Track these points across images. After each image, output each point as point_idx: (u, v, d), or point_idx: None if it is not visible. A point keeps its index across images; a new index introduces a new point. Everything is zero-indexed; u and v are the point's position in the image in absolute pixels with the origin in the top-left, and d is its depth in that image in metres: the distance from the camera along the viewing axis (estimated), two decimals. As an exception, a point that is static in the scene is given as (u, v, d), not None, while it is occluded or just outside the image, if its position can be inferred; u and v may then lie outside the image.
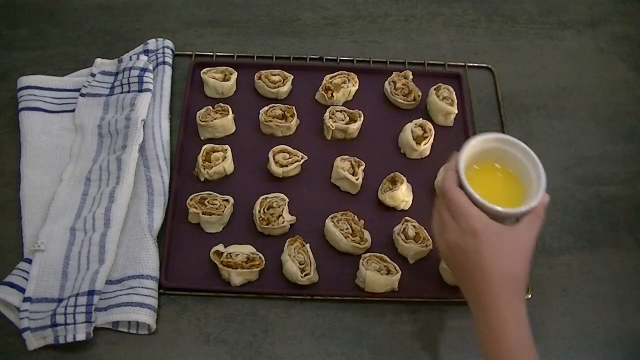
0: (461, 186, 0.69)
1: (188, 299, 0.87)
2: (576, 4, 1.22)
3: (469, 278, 0.69)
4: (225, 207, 0.91)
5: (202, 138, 1.00)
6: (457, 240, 0.68)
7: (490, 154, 0.74)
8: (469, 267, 0.68)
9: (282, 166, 0.95)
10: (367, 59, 1.11)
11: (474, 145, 0.73)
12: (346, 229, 0.90)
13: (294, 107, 1.01)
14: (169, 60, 1.06)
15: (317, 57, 1.11)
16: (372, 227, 0.92)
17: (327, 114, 1.00)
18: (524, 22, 1.19)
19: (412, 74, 1.06)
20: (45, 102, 1.01)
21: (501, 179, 0.75)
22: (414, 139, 0.98)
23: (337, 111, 1.01)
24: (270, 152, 0.96)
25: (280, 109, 1.01)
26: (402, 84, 1.05)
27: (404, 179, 0.94)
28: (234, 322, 0.86)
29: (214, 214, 0.90)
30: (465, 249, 0.67)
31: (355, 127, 0.99)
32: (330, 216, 0.91)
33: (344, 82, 1.04)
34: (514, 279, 0.66)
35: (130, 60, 1.05)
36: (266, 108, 1.01)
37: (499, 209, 0.68)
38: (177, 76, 1.07)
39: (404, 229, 0.90)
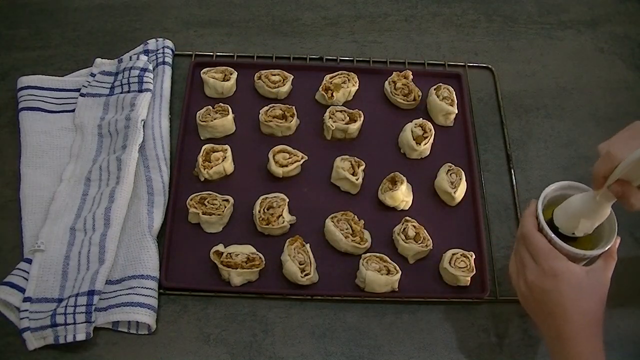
0: (540, 230, 0.74)
1: (188, 299, 0.87)
2: (576, 4, 1.22)
3: (549, 316, 0.72)
4: (225, 207, 0.91)
5: (202, 138, 1.00)
6: (538, 280, 0.72)
7: (564, 199, 0.78)
8: (549, 306, 0.72)
9: (282, 166, 0.95)
10: (367, 59, 1.11)
11: (550, 192, 0.77)
12: (346, 229, 0.90)
13: (294, 107, 1.01)
14: (169, 60, 1.06)
15: (317, 57, 1.11)
16: (372, 227, 0.92)
17: (327, 114, 1.00)
18: (524, 22, 1.19)
19: (412, 74, 1.06)
20: (45, 102, 1.01)
21: None
22: (414, 139, 0.98)
23: (337, 111, 1.01)
24: (270, 152, 0.96)
25: (280, 109, 1.01)
26: (402, 84, 1.05)
27: (404, 179, 0.94)
28: (234, 322, 0.86)
29: (214, 214, 0.90)
30: (546, 288, 0.71)
31: (355, 127, 0.99)
32: (330, 216, 0.91)
33: (344, 82, 1.04)
34: (593, 316, 0.70)
35: (130, 60, 1.05)
36: (266, 108, 1.01)
37: (578, 251, 0.73)
38: (177, 76, 1.07)
39: (404, 229, 0.90)
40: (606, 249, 0.73)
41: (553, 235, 0.73)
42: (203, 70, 1.04)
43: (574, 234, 0.77)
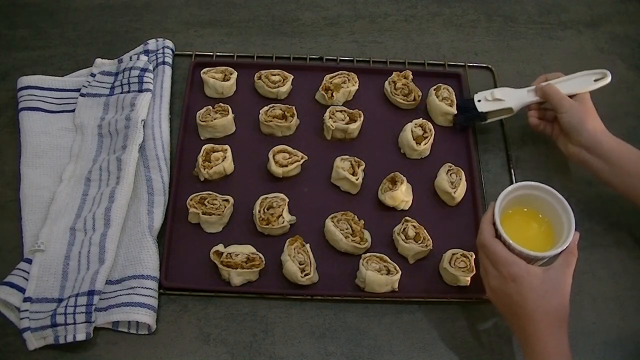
0: (498, 236, 0.77)
1: (188, 299, 0.87)
2: (576, 4, 1.22)
3: (514, 316, 0.76)
4: (225, 207, 0.91)
5: (202, 138, 1.00)
6: (500, 285, 0.76)
7: (520, 200, 0.82)
8: (513, 308, 0.75)
9: (282, 166, 0.95)
10: (367, 59, 1.11)
11: (506, 195, 0.80)
12: (346, 229, 0.90)
13: (294, 107, 1.01)
14: (169, 60, 1.06)
15: (317, 57, 1.11)
16: (372, 227, 0.92)
17: (327, 114, 1.00)
18: (524, 22, 1.19)
19: (412, 74, 1.06)
20: (45, 102, 1.01)
21: (532, 223, 0.83)
22: (414, 139, 0.98)
23: (337, 111, 1.01)
24: (270, 152, 0.96)
25: (280, 109, 1.01)
26: (402, 84, 1.05)
27: (404, 179, 0.94)
28: (234, 322, 0.86)
29: (214, 214, 0.90)
30: (508, 292, 0.75)
31: (355, 127, 0.99)
32: (330, 216, 0.91)
33: (344, 82, 1.04)
34: (555, 314, 0.74)
35: (131, 60, 1.05)
36: (266, 108, 1.01)
37: (536, 253, 0.76)
38: (177, 76, 1.07)
39: (404, 229, 0.90)
40: (565, 247, 0.76)
41: (511, 241, 0.76)
42: (203, 70, 1.04)
43: (479, 100, 0.98)
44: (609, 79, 0.94)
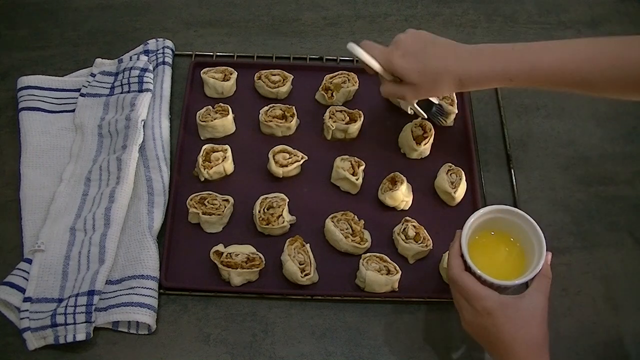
0: (467, 268, 0.75)
1: (188, 299, 0.87)
2: (576, 4, 1.22)
3: (493, 348, 0.74)
4: (225, 207, 0.91)
5: (202, 138, 1.00)
6: (475, 319, 0.73)
7: (487, 224, 0.79)
8: (491, 340, 0.73)
9: (282, 166, 0.95)
10: (367, 59, 1.11)
11: (472, 223, 0.77)
12: (346, 229, 0.90)
13: (294, 107, 1.01)
14: (169, 60, 1.06)
15: (317, 57, 1.11)
16: (372, 227, 0.92)
17: (327, 114, 1.00)
18: (524, 22, 1.19)
19: (412, 74, 1.06)
20: (45, 102, 1.01)
21: (502, 247, 0.81)
22: (414, 139, 0.98)
23: (337, 111, 1.01)
24: (270, 152, 0.96)
25: (280, 109, 1.01)
26: (402, 84, 1.05)
27: (404, 179, 0.94)
28: (234, 322, 0.86)
29: (214, 214, 0.90)
30: (484, 325, 0.72)
31: (355, 127, 0.99)
32: (330, 216, 0.91)
33: (344, 82, 1.04)
34: (534, 343, 0.71)
35: (131, 60, 1.05)
36: (266, 108, 1.01)
37: (507, 283, 0.73)
38: (177, 76, 1.07)
39: (404, 229, 0.90)
40: (536, 271, 0.73)
41: (480, 272, 0.73)
42: (203, 70, 1.04)
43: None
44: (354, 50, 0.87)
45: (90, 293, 0.82)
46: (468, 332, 0.76)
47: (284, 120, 1.00)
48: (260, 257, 0.87)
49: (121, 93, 1.02)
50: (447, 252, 0.89)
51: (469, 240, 0.76)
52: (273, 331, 0.85)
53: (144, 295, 0.84)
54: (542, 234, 0.76)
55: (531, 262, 0.75)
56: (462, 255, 0.75)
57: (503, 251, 0.80)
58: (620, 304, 0.89)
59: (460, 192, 0.94)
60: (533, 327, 0.71)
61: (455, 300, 0.77)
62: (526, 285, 0.75)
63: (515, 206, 0.97)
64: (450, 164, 0.97)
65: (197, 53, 1.10)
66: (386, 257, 0.88)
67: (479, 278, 0.73)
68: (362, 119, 1.00)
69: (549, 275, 0.74)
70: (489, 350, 0.76)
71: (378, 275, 0.85)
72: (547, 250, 0.75)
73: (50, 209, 0.91)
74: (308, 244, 0.88)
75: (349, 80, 1.05)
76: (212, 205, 0.91)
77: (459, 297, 0.75)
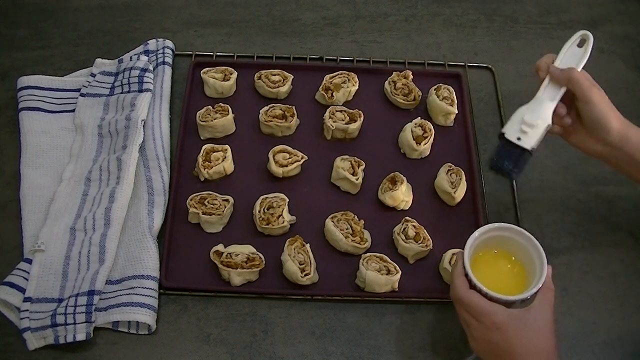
0: (472, 286, 0.75)
1: (188, 299, 0.87)
2: (576, 4, 1.22)
3: None
4: (225, 207, 0.91)
5: (202, 138, 1.00)
6: (484, 335, 0.73)
7: (488, 243, 0.80)
8: (501, 355, 0.73)
9: (282, 166, 0.95)
10: (367, 59, 1.11)
11: (473, 242, 0.77)
12: (346, 229, 0.90)
13: (294, 107, 1.01)
14: (169, 60, 1.06)
15: (317, 57, 1.11)
16: (372, 227, 0.92)
17: (327, 114, 1.00)
18: (524, 22, 1.19)
19: (412, 74, 1.06)
20: (45, 102, 1.01)
21: (503, 263, 0.81)
22: (414, 139, 0.98)
23: (337, 111, 1.01)
24: (270, 152, 0.96)
25: (280, 109, 1.01)
26: (402, 84, 1.05)
27: (404, 179, 0.94)
28: (234, 322, 0.86)
29: (214, 214, 0.90)
30: (494, 341, 0.72)
31: (355, 127, 0.99)
32: (330, 216, 0.91)
33: (344, 82, 1.04)
34: (544, 353, 0.72)
35: (131, 60, 1.05)
36: (266, 108, 1.01)
37: (514, 297, 0.73)
38: (177, 76, 1.07)
39: (404, 229, 0.90)
40: (540, 284, 0.73)
41: (487, 290, 0.73)
42: (203, 70, 1.04)
43: (519, 138, 0.81)
44: (591, 39, 0.83)
45: (91, 293, 0.82)
46: (476, 350, 0.76)
47: (284, 120, 1.00)
48: (260, 257, 0.87)
49: (121, 93, 1.02)
50: (447, 252, 0.89)
51: (470, 258, 0.77)
52: (273, 331, 0.85)
53: (144, 295, 0.84)
54: (541, 248, 0.76)
55: (533, 276, 0.76)
56: (465, 275, 0.75)
57: (504, 267, 0.80)
58: (620, 304, 0.89)
59: (460, 192, 0.94)
60: (543, 339, 0.72)
61: (462, 320, 0.76)
62: (531, 299, 0.74)
63: (515, 206, 0.97)
64: (450, 164, 0.97)
65: (197, 53, 1.10)
66: (386, 257, 0.88)
67: (485, 295, 0.73)
68: (362, 119, 1.00)
69: (552, 287, 0.75)
70: None
71: (378, 275, 0.85)
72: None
73: (50, 209, 0.91)
74: (308, 244, 0.88)
75: (349, 80, 1.05)
76: (212, 205, 0.91)
77: (467, 315, 0.74)
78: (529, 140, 0.81)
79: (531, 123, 0.81)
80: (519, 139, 0.82)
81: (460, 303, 0.75)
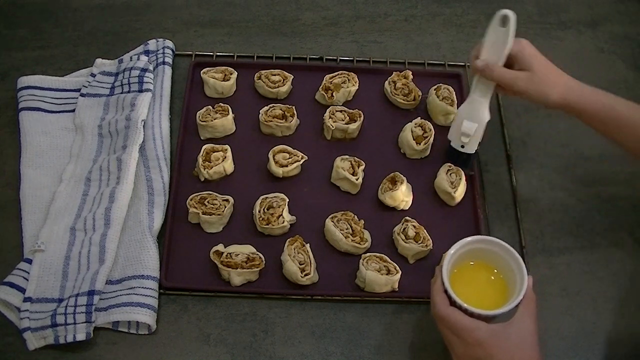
0: (452, 302, 0.74)
1: (188, 299, 0.87)
2: (576, 4, 1.22)
3: None
4: (225, 207, 0.91)
5: (202, 138, 1.00)
6: (467, 352, 0.72)
7: (466, 256, 0.79)
8: None
9: (282, 166, 0.95)
10: (367, 59, 1.11)
11: (450, 258, 0.76)
12: (346, 229, 0.90)
13: (294, 107, 1.01)
14: (169, 60, 1.06)
15: (317, 57, 1.11)
16: (372, 227, 0.92)
17: (327, 114, 1.00)
18: (524, 22, 1.19)
19: (412, 74, 1.06)
20: (45, 102, 1.01)
21: (483, 276, 0.80)
22: (414, 139, 0.98)
23: (337, 111, 1.01)
24: (270, 152, 0.96)
25: (280, 109, 1.01)
26: (402, 84, 1.05)
27: (404, 179, 0.94)
28: (234, 322, 0.86)
29: (214, 214, 0.90)
30: (477, 357, 0.72)
31: (355, 127, 0.99)
32: (330, 216, 0.91)
33: (344, 82, 1.04)
34: None
35: (131, 60, 1.05)
36: (266, 108, 1.01)
37: (494, 312, 0.73)
38: (177, 76, 1.07)
39: (404, 229, 0.90)
40: (521, 297, 0.73)
41: (467, 306, 0.72)
42: (203, 70, 1.04)
43: (463, 146, 0.90)
44: (511, 16, 0.82)
45: (91, 293, 0.82)
46: None
47: (284, 120, 1.00)
48: (260, 257, 0.87)
49: (121, 93, 1.02)
50: (448, 252, 0.89)
51: (449, 274, 0.76)
52: (273, 331, 0.85)
53: (144, 295, 0.84)
54: (520, 258, 0.75)
55: (514, 287, 0.75)
56: (445, 291, 0.74)
57: (484, 280, 0.79)
58: (620, 304, 0.89)
59: (460, 192, 0.94)
60: (526, 352, 0.71)
61: (444, 337, 0.75)
62: (512, 311, 0.73)
63: (515, 206, 0.97)
64: (450, 164, 0.97)
65: (197, 53, 1.10)
66: (386, 257, 0.88)
67: (465, 311, 0.72)
68: (362, 119, 1.00)
69: (534, 297, 0.74)
70: None
71: (378, 275, 0.85)
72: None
73: (50, 209, 0.91)
74: (308, 244, 0.88)
75: (349, 80, 1.05)
76: (212, 205, 0.91)
77: (448, 332, 0.74)
78: (472, 147, 0.92)
79: (469, 132, 0.90)
80: (462, 146, 0.93)
81: (441, 321, 0.74)
